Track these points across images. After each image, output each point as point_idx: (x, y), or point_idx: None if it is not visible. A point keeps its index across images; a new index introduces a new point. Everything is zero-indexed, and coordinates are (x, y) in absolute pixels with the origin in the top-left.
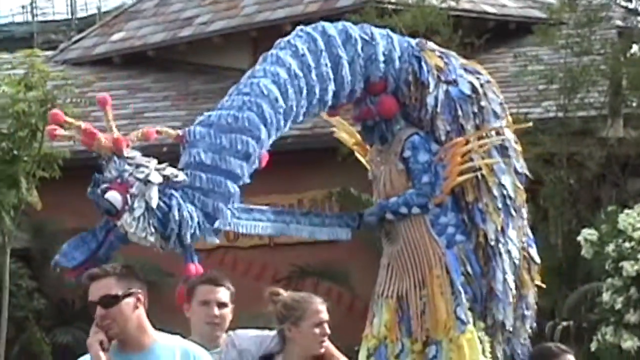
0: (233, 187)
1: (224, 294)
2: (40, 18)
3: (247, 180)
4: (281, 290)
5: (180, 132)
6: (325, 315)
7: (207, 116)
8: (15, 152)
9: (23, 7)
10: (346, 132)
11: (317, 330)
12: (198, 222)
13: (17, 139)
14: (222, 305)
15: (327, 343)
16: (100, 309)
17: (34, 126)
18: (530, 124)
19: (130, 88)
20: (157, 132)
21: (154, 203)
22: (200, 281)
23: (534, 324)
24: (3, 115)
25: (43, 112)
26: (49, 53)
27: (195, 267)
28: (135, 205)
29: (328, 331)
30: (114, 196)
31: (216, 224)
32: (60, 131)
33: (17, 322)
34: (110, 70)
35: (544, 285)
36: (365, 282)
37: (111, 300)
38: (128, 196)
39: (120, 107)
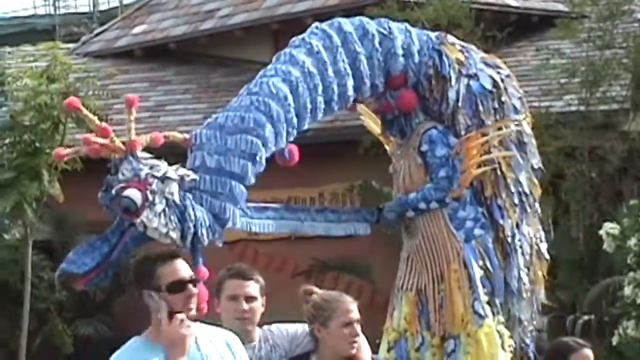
0: (239, 187)
1: (253, 287)
2: (62, 11)
3: (253, 181)
4: (315, 289)
5: (187, 136)
6: (355, 315)
7: (214, 118)
8: (37, 144)
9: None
10: (372, 121)
11: (346, 331)
12: (209, 224)
13: (40, 131)
14: (251, 299)
15: (363, 344)
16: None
17: (56, 118)
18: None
19: (151, 81)
20: (165, 137)
21: (176, 197)
22: (229, 275)
23: (552, 319)
24: (25, 108)
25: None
26: (71, 46)
27: (206, 269)
28: (156, 201)
29: (359, 332)
30: (133, 193)
31: (226, 225)
32: (64, 151)
33: (39, 314)
34: (132, 63)
35: (556, 280)
36: (386, 275)
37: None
38: (148, 193)
39: (142, 100)
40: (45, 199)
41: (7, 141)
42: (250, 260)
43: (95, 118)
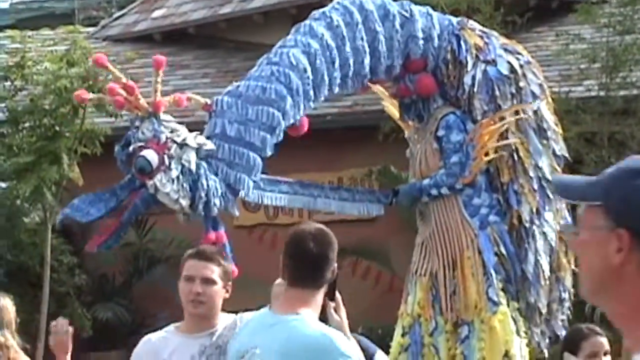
0: (255, 159)
1: (211, 270)
2: None
3: (270, 153)
4: None
5: (208, 101)
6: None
7: (235, 86)
8: (57, 128)
9: None
10: (392, 105)
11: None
12: (221, 193)
13: (59, 115)
14: (207, 281)
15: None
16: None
17: (76, 102)
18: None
19: (170, 65)
20: (188, 99)
21: (193, 166)
22: (189, 255)
23: (573, 306)
24: (45, 92)
25: (85, 88)
26: (90, 30)
27: (215, 235)
28: (172, 166)
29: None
30: (151, 154)
31: (239, 195)
32: (87, 95)
33: (59, 298)
34: (151, 47)
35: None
36: (405, 261)
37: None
38: (165, 156)
39: (161, 83)
40: (64, 182)
41: (26, 125)
42: (269, 245)
43: (122, 76)
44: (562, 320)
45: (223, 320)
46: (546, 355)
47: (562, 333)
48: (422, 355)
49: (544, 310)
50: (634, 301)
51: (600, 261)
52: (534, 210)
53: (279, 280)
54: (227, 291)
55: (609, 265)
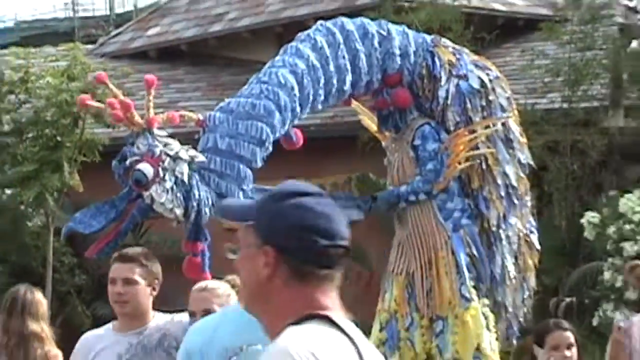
0: (246, 170)
1: (132, 270)
2: (81, 14)
3: (260, 164)
4: None
5: (201, 117)
6: None
7: (227, 103)
8: (58, 138)
9: (65, 3)
10: (368, 118)
11: None
12: (212, 203)
13: (60, 126)
14: (129, 282)
15: None
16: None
17: (76, 114)
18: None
19: (164, 80)
20: (181, 116)
21: (185, 177)
22: (113, 259)
23: (537, 302)
24: (47, 105)
25: None
26: (89, 47)
27: (192, 246)
28: (166, 177)
29: None
30: (146, 167)
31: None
32: (90, 100)
33: (60, 296)
34: (146, 63)
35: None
36: (382, 261)
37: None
38: (159, 169)
39: (156, 97)
40: (65, 189)
41: (30, 135)
42: None
43: (120, 92)
44: (522, 317)
45: (157, 319)
46: (514, 347)
47: (515, 328)
48: (398, 349)
49: (510, 308)
50: (279, 309)
51: (253, 275)
52: (501, 215)
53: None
54: (153, 289)
55: (259, 278)
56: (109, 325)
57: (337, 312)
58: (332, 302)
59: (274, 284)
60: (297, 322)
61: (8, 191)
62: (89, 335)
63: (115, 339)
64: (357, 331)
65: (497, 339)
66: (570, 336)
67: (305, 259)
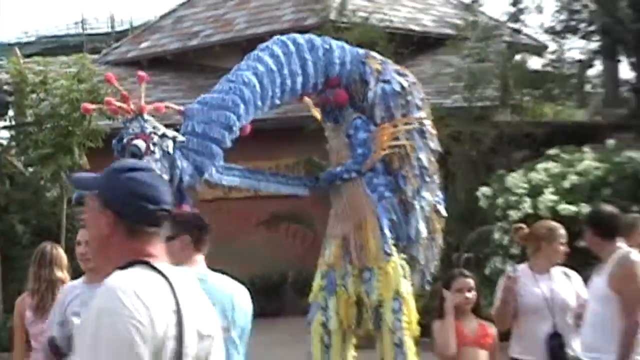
0: (217, 150)
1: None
2: (88, 31)
3: (229, 145)
4: None
5: (182, 108)
6: None
7: (203, 97)
8: (70, 128)
9: (76, 23)
10: (316, 111)
11: None
12: (190, 174)
13: (72, 119)
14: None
15: None
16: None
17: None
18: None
19: (153, 83)
20: (166, 107)
21: (170, 150)
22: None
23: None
24: (62, 102)
25: (91, 99)
26: (95, 56)
27: (181, 207)
28: (156, 150)
29: None
30: (140, 143)
31: (204, 176)
32: (90, 106)
33: (71, 252)
34: (139, 69)
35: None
36: (323, 225)
37: None
38: (150, 144)
39: (146, 97)
40: (76, 167)
41: (48, 125)
42: (225, 214)
43: (121, 87)
44: (435, 267)
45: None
46: (427, 291)
47: (428, 277)
48: (335, 293)
49: (422, 261)
50: (117, 260)
51: (97, 233)
52: (415, 189)
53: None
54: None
55: (102, 235)
56: (82, 278)
57: (160, 259)
58: (157, 252)
59: (113, 240)
60: (124, 267)
61: (30, 169)
62: (67, 286)
63: (84, 289)
64: (177, 274)
65: (412, 285)
66: (471, 282)
67: (137, 220)
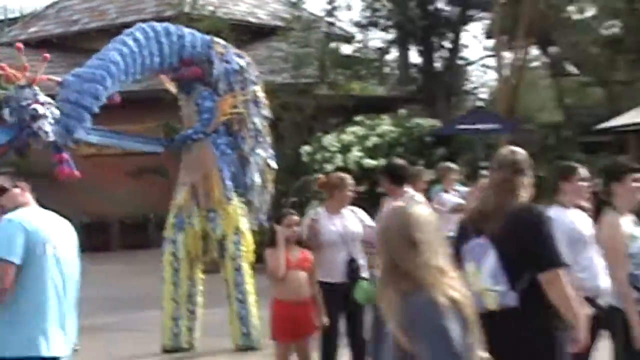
0: (86, 115)
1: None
2: None
3: (97, 111)
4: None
5: (60, 79)
6: None
7: (76, 70)
8: None
9: None
10: (171, 86)
11: None
12: (66, 132)
13: None
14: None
15: None
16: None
17: None
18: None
19: (40, 61)
20: (48, 79)
21: (55, 113)
22: None
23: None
24: None
25: None
26: None
27: (59, 156)
28: (47, 113)
29: None
30: (38, 107)
31: (75, 135)
32: None
33: None
34: (29, 50)
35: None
36: (176, 176)
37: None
38: (42, 107)
39: (34, 72)
40: None
41: None
42: (99, 167)
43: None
44: (268, 208)
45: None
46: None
47: (262, 217)
48: (184, 229)
49: (257, 204)
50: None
51: None
52: (251, 147)
53: None
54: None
55: None
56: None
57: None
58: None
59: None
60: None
61: None
62: None
63: None
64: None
65: (249, 222)
66: (297, 219)
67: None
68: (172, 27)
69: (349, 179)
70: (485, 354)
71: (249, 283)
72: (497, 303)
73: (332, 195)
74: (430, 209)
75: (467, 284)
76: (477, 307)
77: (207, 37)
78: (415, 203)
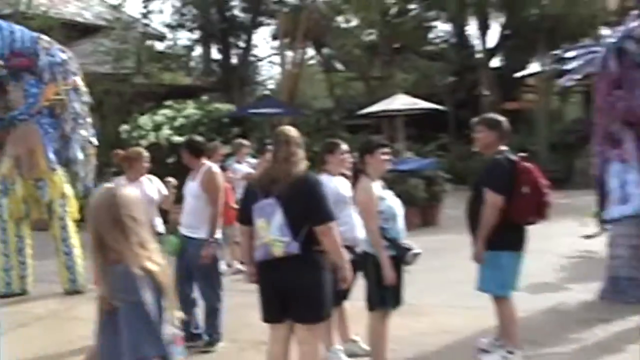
0: None
1: None
2: None
3: None
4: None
5: None
6: None
7: None
8: None
9: None
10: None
11: None
12: None
13: None
14: None
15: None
16: None
17: None
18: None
19: None
20: None
21: None
22: None
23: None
24: None
25: None
26: None
27: None
28: None
29: None
30: None
31: None
32: None
33: None
34: None
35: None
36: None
37: None
38: None
39: None
40: None
41: None
42: None
43: None
44: (91, 180)
45: None
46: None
47: (88, 184)
48: (8, 194)
49: (82, 174)
50: None
51: None
52: (71, 128)
53: None
54: None
55: None
56: None
57: None
58: None
59: None
60: None
61: None
62: None
63: None
64: None
65: (73, 189)
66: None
67: None
68: (4, 24)
69: (144, 153)
70: (180, 313)
71: (74, 237)
72: (283, 251)
73: (131, 167)
74: (135, 191)
75: (259, 235)
76: (268, 255)
77: (35, 34)
78: (121, 185)
